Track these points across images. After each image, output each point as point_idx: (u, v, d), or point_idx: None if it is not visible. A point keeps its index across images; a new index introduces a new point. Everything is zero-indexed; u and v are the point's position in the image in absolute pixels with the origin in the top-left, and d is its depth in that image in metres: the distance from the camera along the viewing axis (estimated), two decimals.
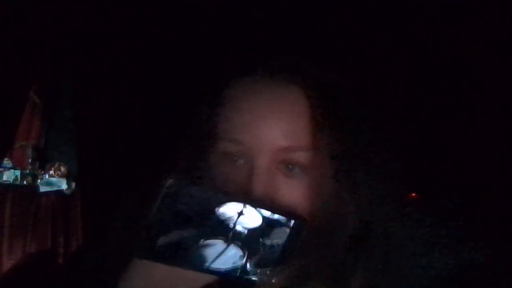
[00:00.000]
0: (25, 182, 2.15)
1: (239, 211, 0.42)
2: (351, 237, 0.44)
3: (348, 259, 0.44)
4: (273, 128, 0.45)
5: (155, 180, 0.39)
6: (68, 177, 2.22)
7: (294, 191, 0.46)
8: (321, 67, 0.49)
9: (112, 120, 2.18)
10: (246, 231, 0.43)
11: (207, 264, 0.42)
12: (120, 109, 2.14)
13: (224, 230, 0.42)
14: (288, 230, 0.44)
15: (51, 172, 2.20)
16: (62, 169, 2.22)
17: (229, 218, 0.42)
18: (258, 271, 0.45)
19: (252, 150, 0.46)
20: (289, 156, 0.46)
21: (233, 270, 0.44)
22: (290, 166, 0.46)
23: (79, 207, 2.20)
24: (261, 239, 0.44)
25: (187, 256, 0.41)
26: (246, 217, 0.43)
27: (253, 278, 0.45)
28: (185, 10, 1.84)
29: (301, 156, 0.45)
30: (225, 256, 0.43)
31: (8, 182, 2.10)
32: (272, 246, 0.45)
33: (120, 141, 2.14)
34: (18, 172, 2.13)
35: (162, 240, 0.39)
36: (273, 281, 0.45)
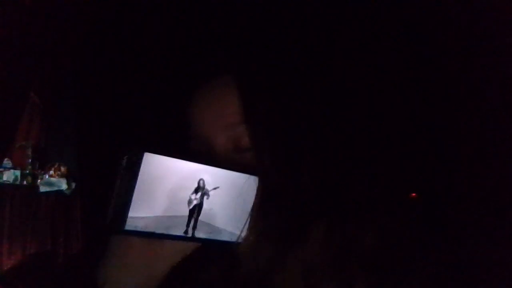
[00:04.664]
0: (25, 182, 2.15)
1: (203, 174, 0.43)
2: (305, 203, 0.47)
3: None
4: (215, 112, 0.53)
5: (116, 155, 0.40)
6: (68, 177, 2.22)
7: (249, 162, 0.49)
8: (250, 55, 0.55)
9: (113, 120, 2.18)
10: (213, 194, 0.44)
11: (179, 231, 0.43)
12: (121, 109, 2.14)
13: (192, 195, 0.42)
14: (252, 188, 0.46)
15: (51, 172, 2.20)
16: (62, 169, 2.22)
17: (195, 182, 0.43)
18: (232, 232, 0.46)
19: (208, 138, 0.52)
20: (237, 130, 0.51)
21: (207, 234, 0.44)
22: (241, 140, 0.51)
23: (79, 207, 2.20)
24: (229, 200, 0.45)
25: (157, 225, 0.41)
26: (211, 179, 0.44)
27: (229, 240, 0.45)
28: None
29: (246, 129, 0.51)
30: (197, 222, 0.43)
31: (8, 182, 2.10)
32: (240, 206, 0.46)
33: (121, 141, 2.14)
34: (18, 172, 2.13)
35: (131, 212, 0.39)
36: (250, 239, 0.46)
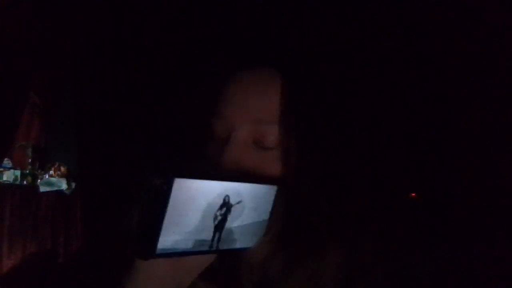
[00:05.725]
0: (25, 182, 2.15)
1: (228, 190, 0.43)
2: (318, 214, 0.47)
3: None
4: (249, 102, 0.51)
5: (142, 178, 0.40)
6: (68, 177, 2.22)
7: (266, 163, 0.49)
8: (299, 52, 0.53)
9: (113, 119, 2.18)
10: (235, 206, 0.44)
11: (205, 246, 0.43)
12: (121, 109, 2.14)
13: (217, 212, 0.43)
14: (271, 197, 0.46)
15: (51, 172, 2.20)
16: (62, 169, 2.22)
17: (220, 199, 0.43)
18: (251, 240, 0.46)
19: (232, 123, 0.50)
20: (264, 128, 0.50)
21: (229, 244, 0.45)
22: (265, 139, 0.50)
23: (79, 207, 2.20)
24: (249, 211, 0.45)
25: (185, 243, 0.41)
26: (235, 193, 0.44)
27: (247, 246, 0.46)
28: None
29: (274, 129, 0.49)
30: (221, 235, 0.44)
31: (8, 182, 2.10)
32: (260, 215, 0.46)
33: (121, 141, 2.14)
34: (18, 172, 2.13)
35: (161, 236, 0.39)
36: (264, 247, 0.47)
